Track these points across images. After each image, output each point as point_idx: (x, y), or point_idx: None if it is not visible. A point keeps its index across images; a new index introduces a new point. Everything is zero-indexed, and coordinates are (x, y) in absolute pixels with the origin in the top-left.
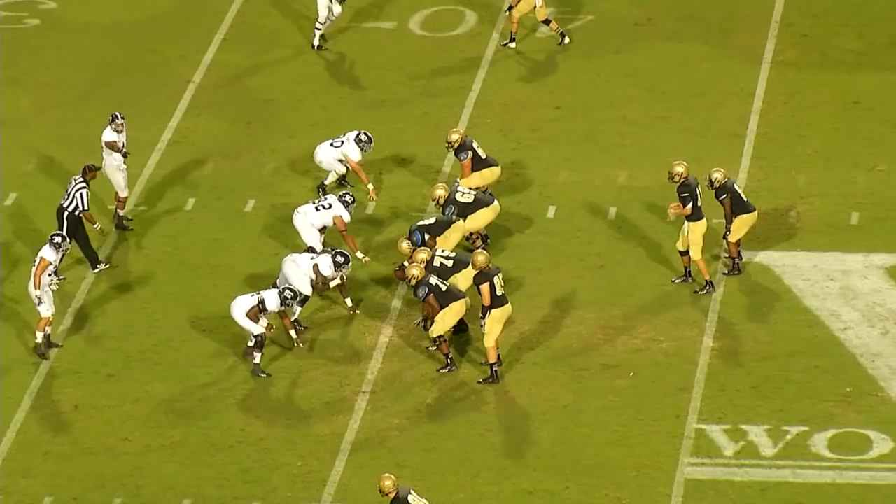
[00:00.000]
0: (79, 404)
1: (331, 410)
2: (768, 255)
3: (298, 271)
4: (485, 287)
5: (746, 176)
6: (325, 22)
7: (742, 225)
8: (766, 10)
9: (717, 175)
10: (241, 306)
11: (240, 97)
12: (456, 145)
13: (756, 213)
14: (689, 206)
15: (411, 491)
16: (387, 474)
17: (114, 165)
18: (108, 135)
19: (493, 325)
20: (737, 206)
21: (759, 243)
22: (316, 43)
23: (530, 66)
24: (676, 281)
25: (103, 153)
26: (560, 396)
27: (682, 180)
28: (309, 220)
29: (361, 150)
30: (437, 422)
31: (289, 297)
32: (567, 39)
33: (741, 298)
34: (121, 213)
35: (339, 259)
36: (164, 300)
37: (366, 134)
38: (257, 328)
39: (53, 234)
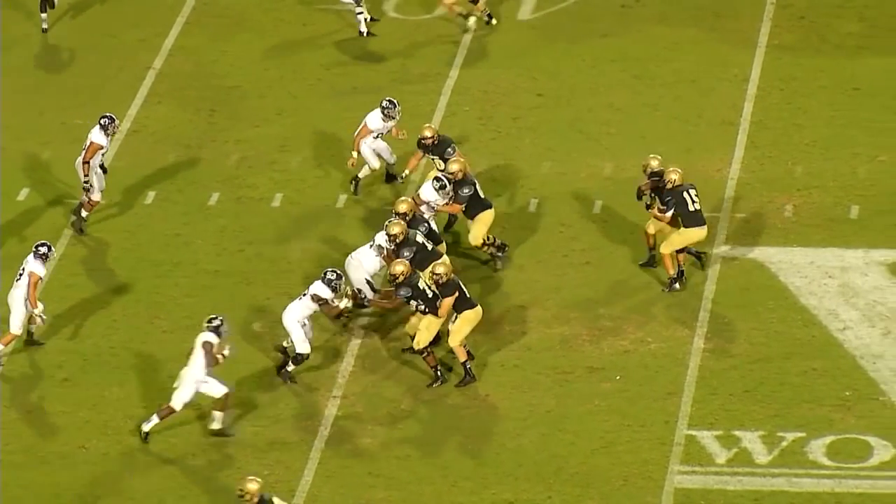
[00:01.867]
0: (32, 409)
1: (300, 416)
2: (763, 250)
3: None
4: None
5: (740, 167)
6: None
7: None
8: None
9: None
10: (290, 312)
11: (203, 84)
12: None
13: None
14: (669, 214)
15: (274, 498)
16: (251, 477)
17: (95, 166)
18: (98, 137)
19: (463, 326)
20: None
21: (754, 238)
22: (363, 29)
23: (511, 51)
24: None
25: (84, 151)
26: (543, 401)
27: (672, 186)
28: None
29: (386, 115)
30: (412, 428)
31: (333, 278)
32: (494, 21)
33: (734, 297)
34: (85, 214)
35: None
36: (123, 299)
37: (388, 100)
38: (305, 345)
39: (38, 245)
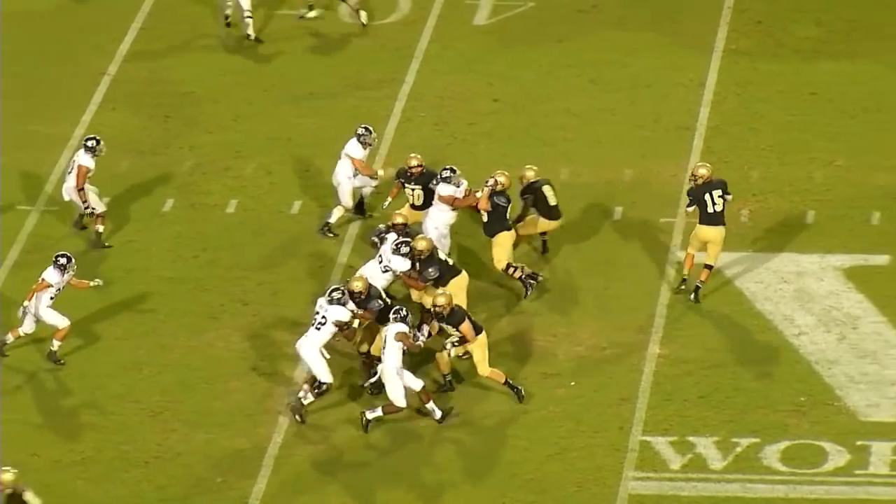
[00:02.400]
0: None
1: (253, 423)
2: (719, 256)
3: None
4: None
5: None
6: (250, 8)
7: (537, 226)
8: None
9: (530, 173)
10: (313, 342)
11: (157, 90)
12: (425, 255)
13: (559, 221)
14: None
15: (27, 489)
16: (6, 468)
17: (88, 189)
18: (86, 160)
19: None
20: (543, 210)
21: None
22: (250, 33)
23: (467, 57)
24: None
25: (73, 174)
26: (497, 407)
27: (696, 183)
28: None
29: (363, 144)
30: (366, 435)
31: (337, 296)
32: (364, 19)
33: (689, 303)
34: (101, 229)
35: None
36: (75, 305)
37: (363, 127)
38: (327, 374)
39: (58, 255)
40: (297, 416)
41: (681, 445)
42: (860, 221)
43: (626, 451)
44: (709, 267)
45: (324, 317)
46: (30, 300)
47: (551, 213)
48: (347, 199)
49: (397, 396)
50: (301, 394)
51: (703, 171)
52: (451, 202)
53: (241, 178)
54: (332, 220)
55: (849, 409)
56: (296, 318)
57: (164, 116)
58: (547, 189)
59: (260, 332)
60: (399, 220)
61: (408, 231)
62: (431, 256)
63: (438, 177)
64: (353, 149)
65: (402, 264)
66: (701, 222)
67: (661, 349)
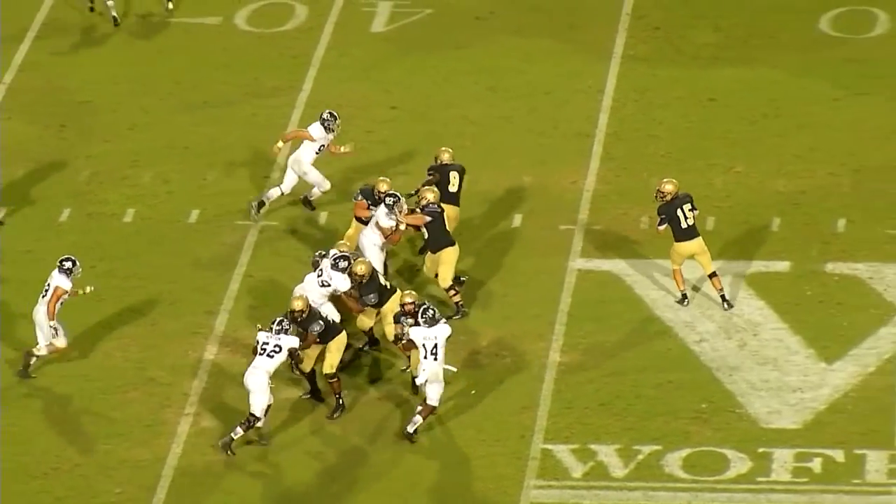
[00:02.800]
0: None
1: (151, 434)
2: (617, 263)
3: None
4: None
5: (595, 179)
6: None
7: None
8: (616, 2)
9: (445, 156)
10: (262, 372)
11: (53, 99)
12: (366, 279)
13: (457, 210)
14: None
15: None
16: None
17: None
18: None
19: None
20: (443, 194)
21: (610, 251)
22: (113, 15)
23: (365, 64)
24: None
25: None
26: (397, 416)
27: (664, 200)
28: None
29: (326, 128)
30: (265, 445)
31: (286, 326)
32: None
33: (590, 310)
34: None
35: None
36: None
37: (329, 112)
38: (262, 409)
39: (63, 259)
40: (227, 451)
41: (582, 453)
42: (760, 228)
43: (527, 460)
44: (714, 274)
45: (276, 346)
46: (52, 316)
47: (450, 198)
48: (325, 184)
49: (434, 397)
50: (237, 429)
51: (669, 188)
52: (387, 234)
53: (138, 187)
54: (312, 196)
55: (750, 416)
56: (194, 328)
57: (59, 125)
58: (454, 175)
59: (158, 342)
60: (343, 249)
61: (347, 255)
62: (372, 280)
63: (382, 200)
64: (315, 129)
65: (342, 283)
66: (679, 239)
67: (561, 357)
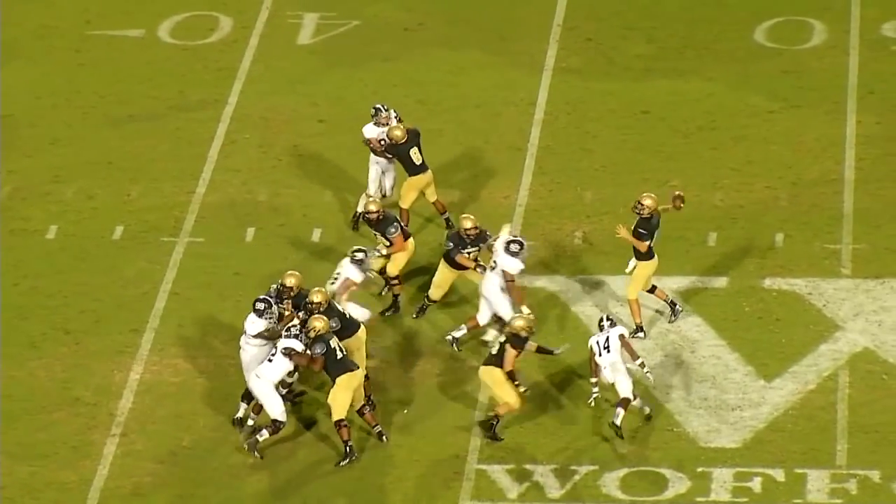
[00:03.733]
0: None
1: (77, 455)
2: (553, 279)
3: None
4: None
5: (528, 193)
6: None
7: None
8: (547, 13)
9: (398, 132)
10: (272, 372)
11: None
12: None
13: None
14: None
15: None
16: None
17: None
18: None
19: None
20: (410, 169)
21: (543, 267)
22: None
23: (292, 77)
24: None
25: None
26: (330, 434)
27: (641, 214)
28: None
29: (376, 123)
30: (194, 466)
31: (295, 331)
32: None
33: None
34: None
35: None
36: None
37: (374, 107)
38: (283, 412)
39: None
40: (256, 453)
41: (518, 474)
42: (697, 243)
43: (462, 480)
44: (655, 287)
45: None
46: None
47: (418, 169)
48: (372, 187)
49: (626, 390)
50: (263, 432)
51: (649, 202)
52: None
53: (61, 202)
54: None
55: (688, 435)
56: (119, 347)
57: None
58: (413, 151)
59: (83, 361)
60: (318, 297)
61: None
62: (321, 337)
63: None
64: (370, 129)
65: (356, 274)
66: (651, 256)
67: None
